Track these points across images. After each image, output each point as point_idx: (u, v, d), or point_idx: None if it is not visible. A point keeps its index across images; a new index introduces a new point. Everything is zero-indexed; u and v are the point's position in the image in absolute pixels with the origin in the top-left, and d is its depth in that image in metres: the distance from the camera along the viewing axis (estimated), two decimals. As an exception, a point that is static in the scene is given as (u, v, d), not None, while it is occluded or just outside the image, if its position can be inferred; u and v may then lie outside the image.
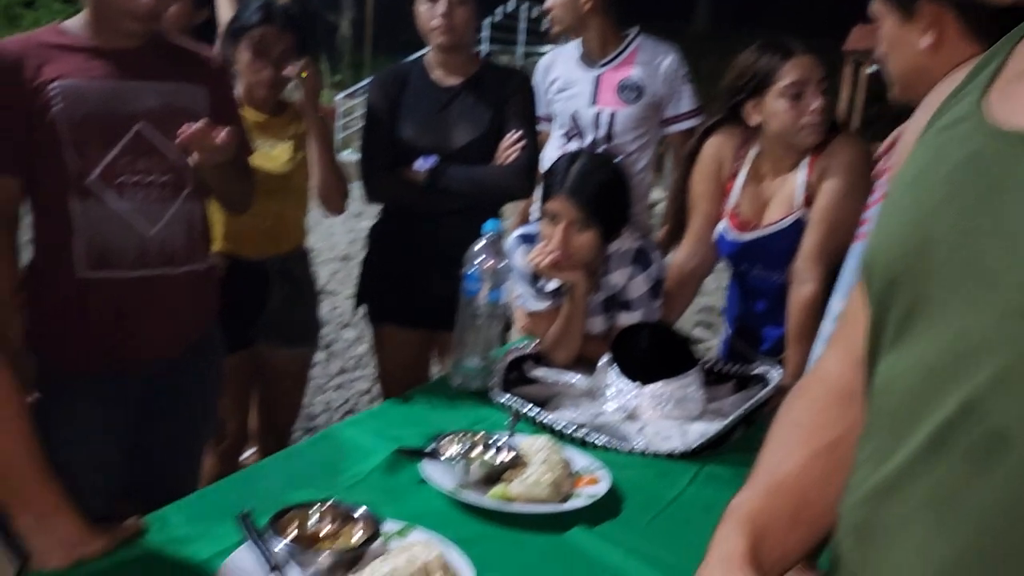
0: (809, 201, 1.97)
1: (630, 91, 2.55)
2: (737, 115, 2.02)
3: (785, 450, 0.83)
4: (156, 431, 1.82)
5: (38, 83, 1.58)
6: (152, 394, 1.79)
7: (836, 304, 1.36)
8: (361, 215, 7.62)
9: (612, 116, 2.56)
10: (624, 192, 1.91)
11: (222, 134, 1.60)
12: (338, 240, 6.60)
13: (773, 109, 1.93)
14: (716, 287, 4.29)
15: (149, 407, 1.79)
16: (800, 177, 1.98)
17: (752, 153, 2.05)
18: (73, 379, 1.68)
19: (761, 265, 2.09)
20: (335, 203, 2.28)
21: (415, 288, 2.31)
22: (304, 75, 2.12)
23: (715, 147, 2.08)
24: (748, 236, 2.04)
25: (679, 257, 2.17)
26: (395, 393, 1.97)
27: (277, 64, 2.14)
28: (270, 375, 2.39)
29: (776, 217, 2.01)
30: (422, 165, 2.18)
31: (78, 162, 1.61)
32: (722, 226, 2.08)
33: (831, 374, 0.86)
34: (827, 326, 1.39)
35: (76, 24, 1.67)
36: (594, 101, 2.58)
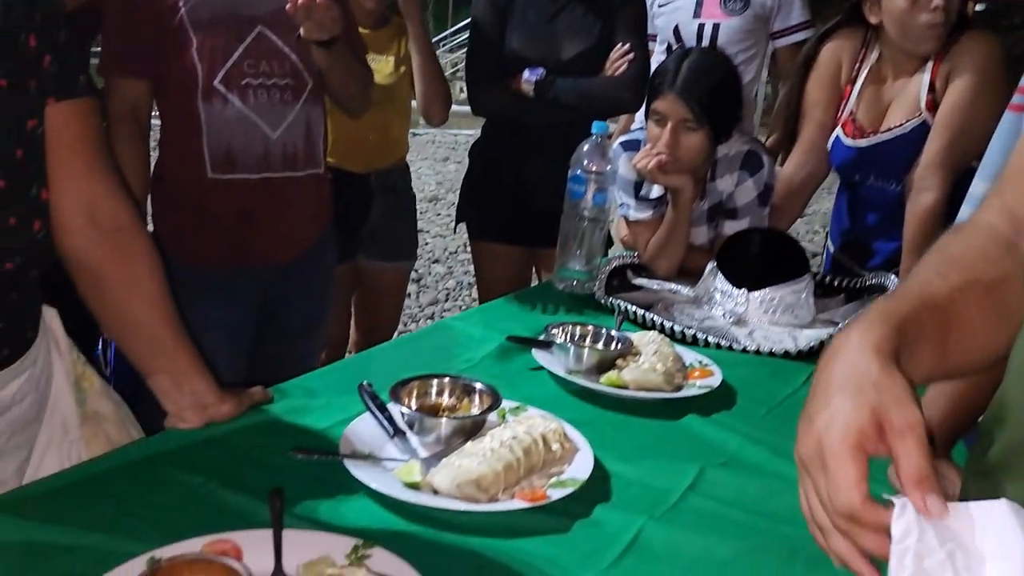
0: (933, 105, 1.86)
1: (735, 2, 2.46)
2: (856, 15, 1.92)
3: (938, 273, 0.73)
4: (271, 332, 1.88)
5: None
6: (269, 296, 1.84)
7: (978, 188, 1.28)
8: (448, 159, 7.69)
9: (716, 28, 2.47)
10: (737, 91, 1.84)
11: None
12: (426, 182, 6.66)
13: (892, 7, 1.83)
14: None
15: (266, 309, 1.85)
16: (924, 79, 1.87)
17: (873, 56, 1.94)
18: (196, 278, 1.74)
19: (876, 174, 1.99)
20: (438, 112, 2.28)
21: (516, 204, 2.30)
22: None
23: (833, 51, 1.99)
24: (865, 143, 1.95)
25: (789, 167, 2.09)
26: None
27: None
28: (370, 289, 2.44)
29: (896, 122, 1.92)
30: (530, 76, 2.15)
31: (204, 64, 1.64)
32: (837, 133, 2.00)
33: (989, 223, 0.81)
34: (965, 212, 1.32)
35: None
36: (697, 13, 2.50)
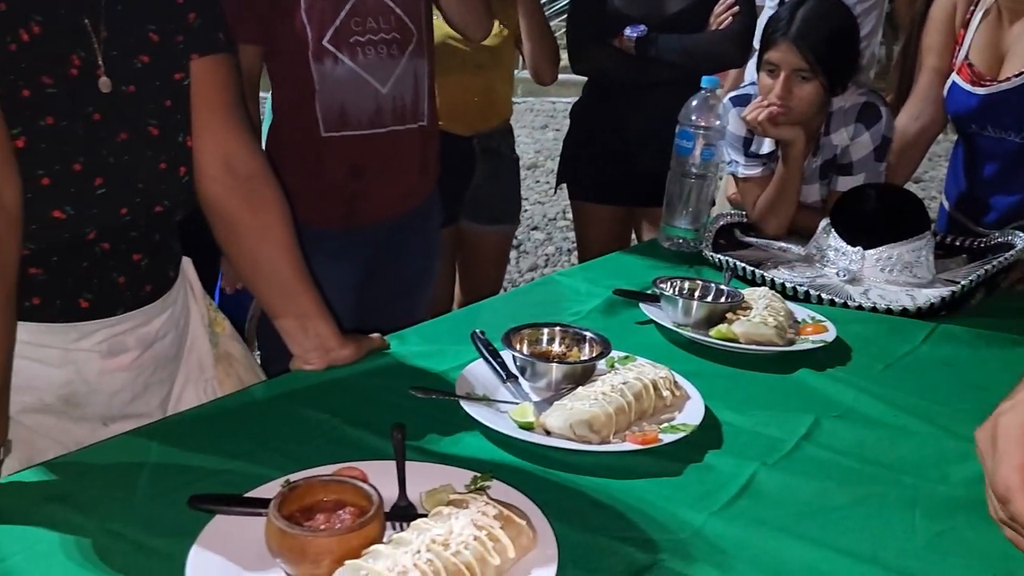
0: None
1: (852, -49, 2.35)
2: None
3: None
4: (382, 288, 1.94)
5: None
6: (379, 254, 1.90)
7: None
8: (546, 127, 7.66)
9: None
10: (854, 40, 1.77)
11: None
12: (525, 149, 6.66)
13: None
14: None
15: (375, 266, 1.91)
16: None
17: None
18: (308, 237, 1.81)
19: (995, 124, 1.88)
20: (547, 71, 2.27)
21: (617, 164, 2.29)
22: None
23: None
24: (984, 91, 1.85)
25: (903, 118, 2.00)
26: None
27: None
28: (473, 251, 2.48)
29: (1015, 70, 1.80)
30: (631, 33, 2.13)
31: (313, 25, 1.69)
32: (954, 79, 1.89)
33: None
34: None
35: None
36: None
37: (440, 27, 1.91)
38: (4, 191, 0.87)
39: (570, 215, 2.53)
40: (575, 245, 2.57)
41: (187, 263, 1.22)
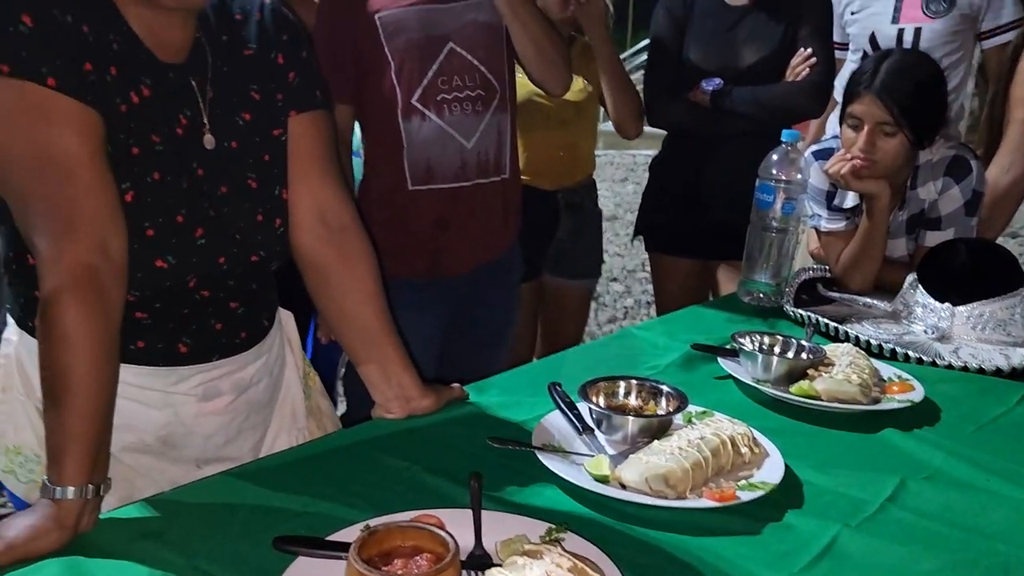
0: None
1: (939, 4, 2.32)
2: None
3: None
4: (463, 340, 1.97)
5: (366, 16, 1.76)
6: (461, 306, 1.94)
7: None
8: (626, 180, 7.70)
9: (918, 33, 2.35)
10: (941, 94, 1.75)
11: None
12: (604, 202, 6.67)
13: None
14: None
15: (457, 318, 1.95)
16: None
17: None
18: (393, 289, 1.86)
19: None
20: (632, 125, 2.30)
21: (695, 216, 2.29)
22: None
23: None
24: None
25: (993, 171, 1.96)
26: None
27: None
28: (555, 305, 2.50)
29: None
30: (706, 87, 2.14)
31: (402, 85, 1.76)
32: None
33: None
34: None
35: None
36: (896, 18, 2.39)
37: (525, 84, 1.97)
38: (112, 243, 0.93)
39: (649, 267, 2.53)
40: (654, 298, 2.56)
41: (286, 316, 1.27)
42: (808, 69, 2.10)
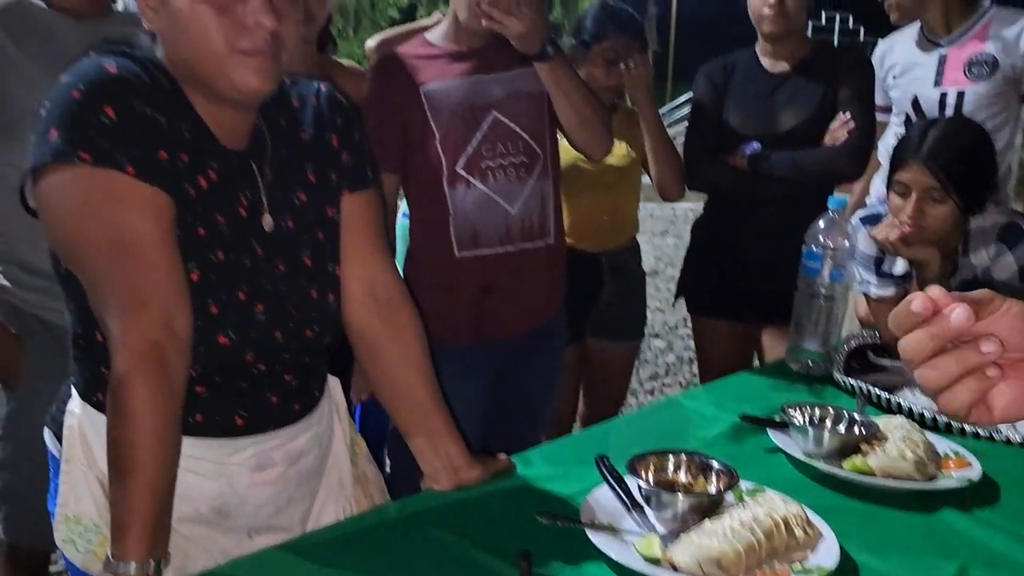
0: None
1: (981, 67, 2.32)
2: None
3: None
4: (507, 404, 1.98)
5: (413, 88, 1.81)
6: (505, 370, 1.95)
7: None
8: (666, 233, 7.70)
9: (960, 96, 2.35)
10: (989, 160, 1.73)
11: None
12: (645, 256, 6.66)
13: None
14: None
15: (502, 382, 1.96)
16: None
17: None
18: (438, 353, 1.88)
19: None
20: (675, 189, 2.32)
21: (738, 280, 2.29)
22: (633, 66, 2.21)
23: None
24: None
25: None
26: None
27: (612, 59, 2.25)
28: (598, 367, 2.49)
29: None
30: (745, 151, 2.16)
31: (447, 154, 1.81)
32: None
33: None
34: None
35: (436, 34, 1.89)
36: (938, 82, 2.39)
37: (568, 150, 2.00)
38: (178, 320, 0.97)
39: (691, 323, 2.52)
40: (696, 359, 2.55)
41: (334, 383, 1.29)
42: (847, 133, 2.10)
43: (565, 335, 2.06)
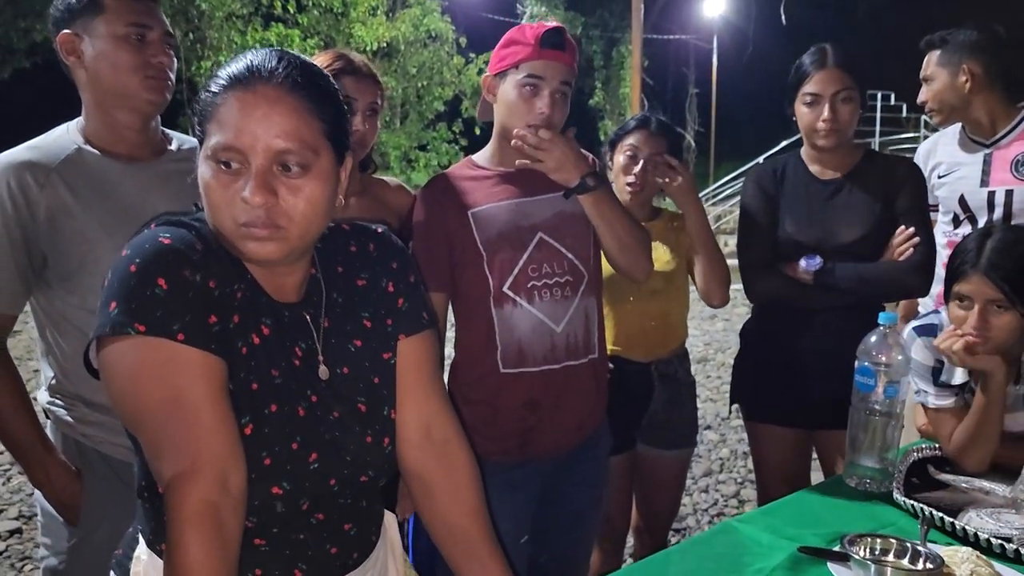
0: None
1: (1028, 165, 2.31)
2: None
3: None
4: (553, 517, 1.96)
5: (461, 212, 1.87)
6: (552, 482, 1.93)
7: None
8: (715, 317, 7.64)
9: (1009, 195, 2.33)
10: (1051, 266, 1.71)
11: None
12: (694, 342, 6.64)
13: None
14: None
15: (548, 494, 1.94)
16: None
17: None
18: (487, 466, 1.88)
19: None
20: (719, 295, 2.31)
21: (791, 386, 2.25)
22: (671, 172, 2.23)
23: None
24: None
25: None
26: (774, 494, 1.92)
27: (646, 167, 2.29)
28: (650, 476, 2.45)
29: None
30: (808, 266, 2.14)
31: (494, 275, 1.84)
32: None
33: None
34: None
35: (483, 156, 1.95)
36: (985, 182, 2.38)
37: None
38: (232, 478, 0.99)
39: (746, 427, 2.47)
40: (751, 456, 2.49)
41: (390, 520, 1.30)
42: (912, 249, 2.09)
43: (609, 444, 2.04)
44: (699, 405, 5.17)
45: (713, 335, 7.03)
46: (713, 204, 13.46)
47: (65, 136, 1.69)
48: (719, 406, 5.10)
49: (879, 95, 13.19)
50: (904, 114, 13.76)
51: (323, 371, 1.13)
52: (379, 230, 1.26)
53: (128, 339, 0.98)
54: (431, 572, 1.86)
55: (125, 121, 1.69)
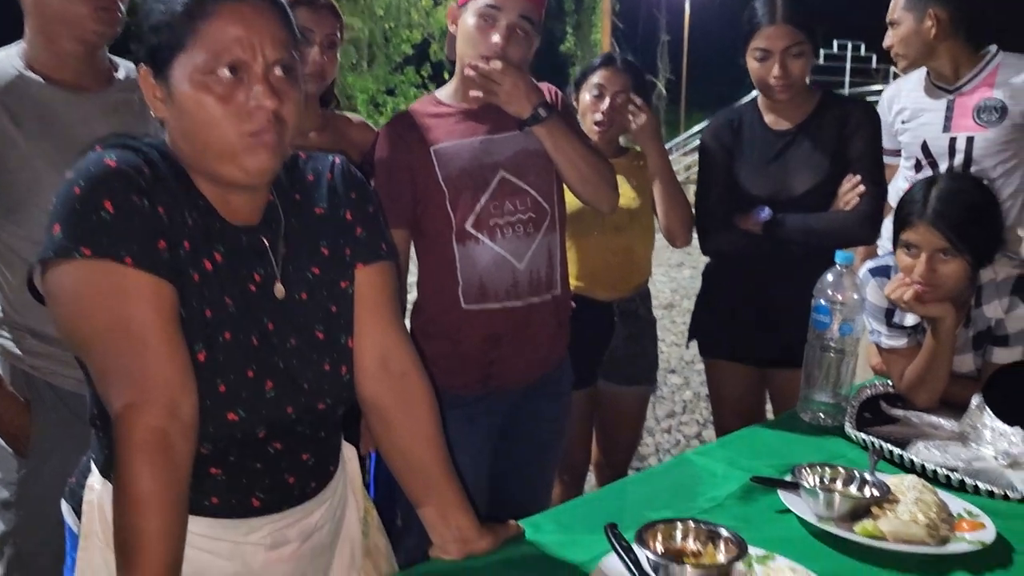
0: None
1: (990, 113, 2.33)
2: None
3: None
4: (514, 451, 1.99)
5: (423, 149, 1.85)
6: (512, 418, 1.96)
7: None
8: (682, 265, 7.70)
9: (970, 142, 2.35)
10: (995, 214, 1.74)
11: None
12: (661, 288, 6.70)
13: None
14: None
15: (509, 429, 1.97)
16: None
17: None
18: (445, 403, 1.89)
19: None
20: (681, 236, 2.33)
21: (749, 325, 2.29)
22: (636, 108, 2.23)
23: None
24: None
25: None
26: (729, 428, 1.96)
27: (613, 104, 2.28)
28: (610, 412, 2.49)
29: None
30: (758, 217, 2.15)
31: (456, 212, 1.83)
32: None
33: None
34: None
35: (446, 92, 1.93)
36: (947, 127, 2.39)
37: None
38: (182, 405, 0.98)
39: (704, 365, 2.52)
40: (709, 394, 2.54)
41: (350, 453, 1.31)
42: (858, 197, 2.10)
43: (570, 380, 2.06)
44: (664, 349, 5.26)
45: (680, 282, 7.10)
46: (684, 153, 13.44)
47: (4, 61, 1.63)
48: (683, 350, 5.17)
49: (849, 45, 13.19)
50: (874, 65, 13.80)
51: (279, 289, 1.12)
52: (336, 160, 1.24)
53: (73, 262, 0.96)
54: (391, 507, 1.88)
55: (70, 49, 1.64)
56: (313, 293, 1.16)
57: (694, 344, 2.49)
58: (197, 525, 1.06)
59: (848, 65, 13.34)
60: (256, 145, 1.03)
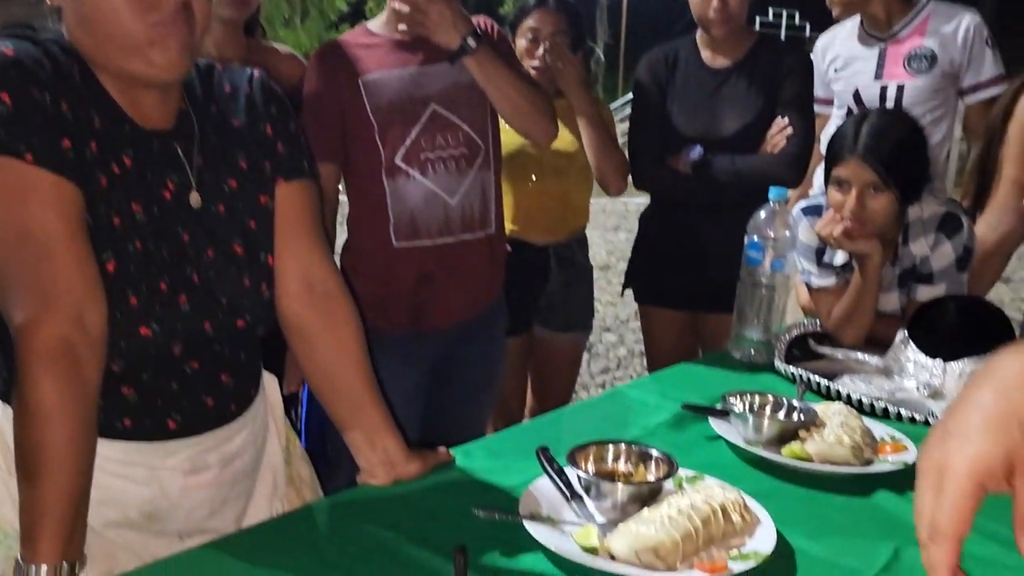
0: None
1: (920, 61, 2.36)
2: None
3: None
4: (447, 394, 1.97)
5: (351, 80, 1.78)
6: (445, 358, 1.93)
7: None
8: (618, 228, 7.75)
9: (900, 89, 2.38)
10: (923, 150, 1.76)
11: None
12: (597, 250, 6.73)
13: None
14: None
15: (442, 371, 1.94)
16: None
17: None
18: (377, 342, 1.85)
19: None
20: (614, 182, 2.32)
21: (684, 270, 2.30)
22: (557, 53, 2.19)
23: None
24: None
25: (981, 227, 1.96)
26: (662, 370, 1.97)
27: (549, 47, 2.24)
28: (545, 358, 2.49)
29: None
30: (688, 157, 2.16)
31: (386, 146, 1.78)
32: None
33: None
34: None
35: (378, 22, 1.87)
36: (879, 75, 2.42)
37: (515, 134, 1.99)
38: (89, 315, 0.92)
39: (639, 313, 2.53)
40: (644, 344, 2.56)
41: (270, 380, 1.26)
42: (785, 140, 2.12)
43: (505, 324, 2.05)
44: (599, 308, 5.29)
45: (616, 244, 7.15)
46: (621, 120, 13.47)
47: None
48: (619, 309, 5.22)
49: (784, 13, 13.36)
50: (807, 33, 14.03)
51: (195, 198, 1.06)
52: (255, 72, 1.18)
53: None
54: (322, 447, 1.84)
55: None
56: (231, 206, 1.11)
57: (629, 304, 2.50)
58: (110, 449, 1.01)
59: (784, 33, 13.54)
60: (164, 36, 0.96)
